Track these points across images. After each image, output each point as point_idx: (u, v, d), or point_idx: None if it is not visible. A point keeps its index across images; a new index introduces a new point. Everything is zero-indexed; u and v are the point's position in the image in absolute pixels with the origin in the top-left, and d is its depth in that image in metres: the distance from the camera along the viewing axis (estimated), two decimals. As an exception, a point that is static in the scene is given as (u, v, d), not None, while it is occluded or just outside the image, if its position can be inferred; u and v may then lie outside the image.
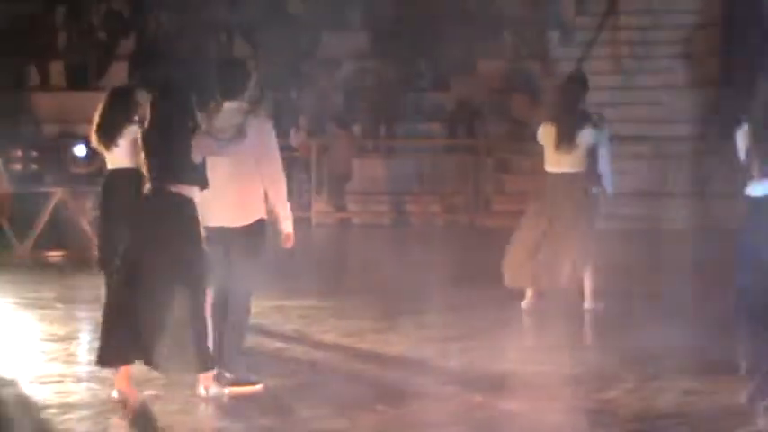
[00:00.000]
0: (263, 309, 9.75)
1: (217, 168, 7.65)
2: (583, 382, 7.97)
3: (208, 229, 7.70)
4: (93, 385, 7.95)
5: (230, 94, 7.74)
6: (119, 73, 19.67)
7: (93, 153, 15.88)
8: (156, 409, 7.37)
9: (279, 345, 9.11)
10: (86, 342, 9.47)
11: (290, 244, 7.81)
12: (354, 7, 20.37)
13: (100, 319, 7.62)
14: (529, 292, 10.53)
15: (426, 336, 9.53)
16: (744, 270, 7.31)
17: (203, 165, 7.65)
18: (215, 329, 7.68)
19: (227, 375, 7.64)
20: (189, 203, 7.54)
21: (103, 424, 7.11)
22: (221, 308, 7.80)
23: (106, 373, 7.74)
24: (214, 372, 7.58)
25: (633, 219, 16.12)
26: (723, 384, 7.66)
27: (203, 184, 7.61)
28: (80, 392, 7.81)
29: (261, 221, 7.78)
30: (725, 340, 7.79)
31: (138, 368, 7.55)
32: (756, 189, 7.23)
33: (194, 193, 7.57)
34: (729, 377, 7.58)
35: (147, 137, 7.60)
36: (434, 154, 18.18)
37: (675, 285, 10.98)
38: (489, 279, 10.84)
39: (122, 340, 7.41)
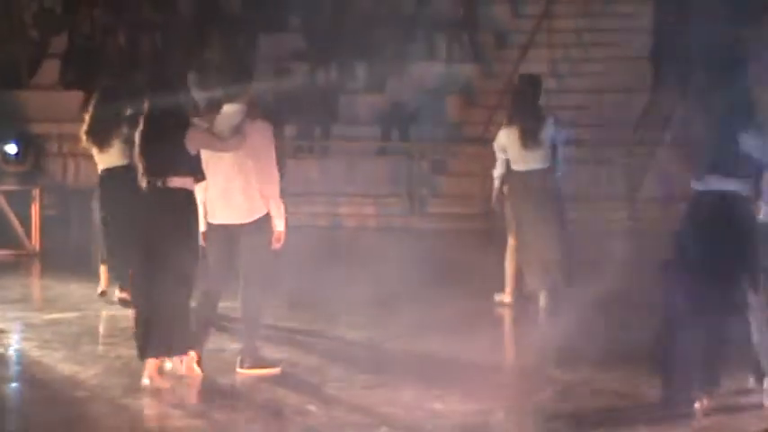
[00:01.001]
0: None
1: (220, 166, 7.96)
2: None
3: (211, 226, 7.99)
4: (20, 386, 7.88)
5: (231, 96, 8.06)
6: (50, 71, 19.47)
7: (24, 151, 15.78)
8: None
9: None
10: (15, 343, 9.38)
11: (279, 243, 8.11)
12: (290, 9, 20.32)
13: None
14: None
15: (357, 337, 9.52)
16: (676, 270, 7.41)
17: (198, 157, 7.85)
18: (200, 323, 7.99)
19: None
20: (189, 196, 7.69)
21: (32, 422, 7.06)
22: (209, 305, 8.07)
23: (37, 373, 7.69)
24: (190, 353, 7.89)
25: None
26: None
27: (200, 176, 7.80)
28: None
29: (266, 216, 8.12)
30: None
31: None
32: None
33: (192, 185, 7.68)
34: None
35: (142, 133, 7.73)
36: (368, 156, 18.14)
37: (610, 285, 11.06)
38: (429, 280, 10.88)
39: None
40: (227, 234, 8.09)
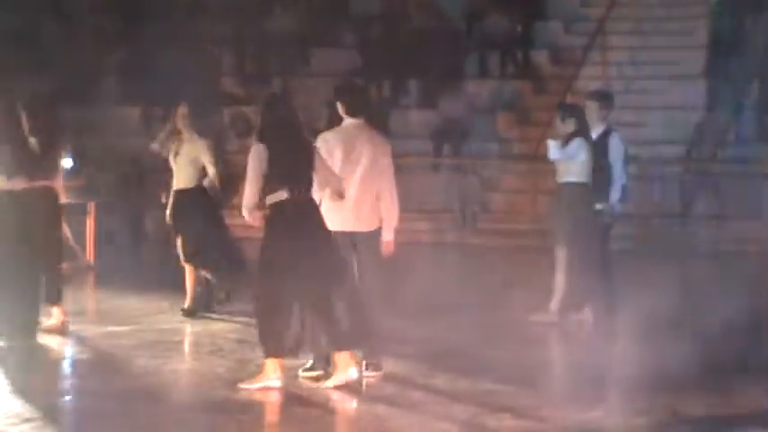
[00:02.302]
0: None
1: (349, 179, 8.48)
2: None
3: (336, 233, 8.40)
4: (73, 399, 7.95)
5: (355, 111, 8.55)
6: (108, 87, 19.69)
7: (79, 165, 15.92)
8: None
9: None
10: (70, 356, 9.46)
11: (389, 251, 8.67)
12: (345, 26, 20.42)
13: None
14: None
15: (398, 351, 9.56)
16: None
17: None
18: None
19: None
20: (319, 208, 8.34)
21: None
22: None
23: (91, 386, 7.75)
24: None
25: (625, 238, 16.14)
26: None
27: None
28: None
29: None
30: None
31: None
32: None
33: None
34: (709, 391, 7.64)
35: (274, 150, 7.91)
36: (421, 172, 18.17)
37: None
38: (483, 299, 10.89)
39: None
40: (351, 240, 8.55)
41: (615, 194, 10.98)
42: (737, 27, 17.93)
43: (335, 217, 8.45)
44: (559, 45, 19.77)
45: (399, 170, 17.78)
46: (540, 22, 19.87)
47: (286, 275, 8.08)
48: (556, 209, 11.00)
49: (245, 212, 8.06)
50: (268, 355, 8.17)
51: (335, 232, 8.37)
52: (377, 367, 8.56)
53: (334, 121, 8.91)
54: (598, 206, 10.84)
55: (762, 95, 17.30)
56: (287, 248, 8.10)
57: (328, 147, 8.56)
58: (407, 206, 17.80)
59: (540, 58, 19.62)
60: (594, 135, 11.00)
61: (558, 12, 20.04)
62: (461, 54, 19.48)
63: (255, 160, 8.10)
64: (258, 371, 8.26)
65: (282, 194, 8.09)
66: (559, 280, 10.86)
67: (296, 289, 8.17)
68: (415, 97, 19.42)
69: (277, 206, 8.11)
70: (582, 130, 10.82)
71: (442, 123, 18.67)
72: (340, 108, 8.73)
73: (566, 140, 10.78)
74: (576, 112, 10.96)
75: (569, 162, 10.73)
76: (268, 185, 8.11)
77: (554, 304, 10.85)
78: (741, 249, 14.68)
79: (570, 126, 10.82)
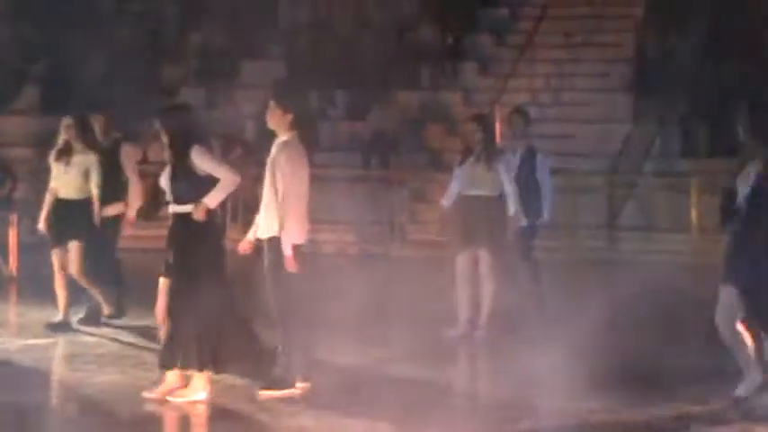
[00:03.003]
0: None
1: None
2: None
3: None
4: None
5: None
6: (29, 97, 19.48)
7: (2, 177, 15.68)
8: None
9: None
10: None
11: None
12: (273, 37, 20.37)
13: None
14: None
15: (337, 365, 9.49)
16: None
17: None
18: None
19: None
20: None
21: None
22: None
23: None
24: None
25: (545, 250, 16.19)
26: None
27: None
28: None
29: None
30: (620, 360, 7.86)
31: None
32: None
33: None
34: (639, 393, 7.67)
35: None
36: (349, 183, 18.13)
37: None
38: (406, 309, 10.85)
39: None
40: None
41: (547, 214, 11.13)
42: (664, 42, 18.10)
43: (297, 228, 8.44)
44: (489, 57, 19.84)
45: (328, 182, 17.97)
46: (470, 35, 19.93)
47: (207, 288, 8.01)
48: (470, 221, 10.77)
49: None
50: (197, 369, 8.09)
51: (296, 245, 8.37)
52: (293, 383, 8.46)
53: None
54: (524, 222, 10.87)
55: (687, 109, 17.46)
56: (205, 260, 8.05)
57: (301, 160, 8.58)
58: (336, 218, 17.95)
59: (470, 69, 19.67)
60: (519, 151, 11.12)
61: (489, 24, 20.12)
62: (391, 65, 19.49)
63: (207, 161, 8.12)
64: (181, 385, 8.18)
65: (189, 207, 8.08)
66: (486, 292, 10.83)
67: (215, 302, 8.09)
68: (343, 109, 19.40)
69: (185, 217, 8.09)
70: (490, 143, 10.83)
71: (370, 135, 18.66)
72: (287, 119, 8.65)
73: (480, 153, 10.73)
74: (484, 124, 10.98)
75: (486, 176, 10.70)
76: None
77: (483, 317, 10.79)
78: (666, 260, 14.80)
79: (479, 136, 10.78)
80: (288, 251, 8.38)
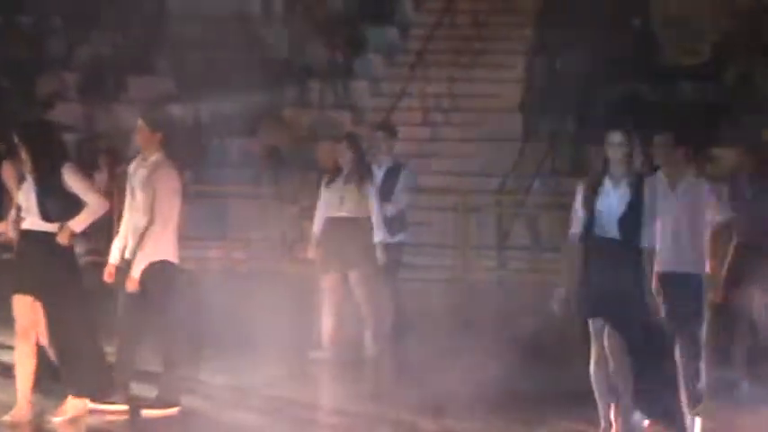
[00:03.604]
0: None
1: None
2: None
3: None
4: None
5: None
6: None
7: None
8: None
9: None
10: None
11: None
12: (160, 52, 20.20)
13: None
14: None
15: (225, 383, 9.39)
16: None
17: None
18: None
19: None
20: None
21: None
22: None
23: None
24: None
25: (437, 269, 16.25)
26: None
27: None
28: None
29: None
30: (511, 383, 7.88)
31: None
32: None
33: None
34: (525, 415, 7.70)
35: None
36: (239, 200, 18.01)
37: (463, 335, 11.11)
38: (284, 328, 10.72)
39: None
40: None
41: (404, 232, 10.96)
42: (553, 62, 18.29)
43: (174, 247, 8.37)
44: (379, 76, 19.86)
45: (218, 198, 17.83)
46: (360, 54, 19.94)
47: (74, 307, 7.94)
48: (339, 243, 10.57)
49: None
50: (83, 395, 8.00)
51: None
52: (175, 403, 8.37)
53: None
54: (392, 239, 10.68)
55: (577, 129, 17.63)
56: (68, 278, 7.98)
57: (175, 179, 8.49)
58: (226, 235, 17.80)
59: (360, 88, 19.68)
60: (384, 168, 10.99)
61: (379, 43, 20.15)
62: (282, 83, 19.43)
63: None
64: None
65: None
66: (366, 314, 10.60)
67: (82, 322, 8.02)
68: (234, 125, 19.26)
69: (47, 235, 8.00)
70: (361, 163, 10.71)
71: (261, 151, 18.55)
72: (156, 138, 8.57)
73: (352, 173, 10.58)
74: (355, 143, 10.83)
75: (356, 197, 10.53)
76: None
77: (369, 339, 10.61)
78: (552, 280, 14.86)
79: (349, 155, 10.63)
80: (138, 272, 8.30)
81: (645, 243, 7.79)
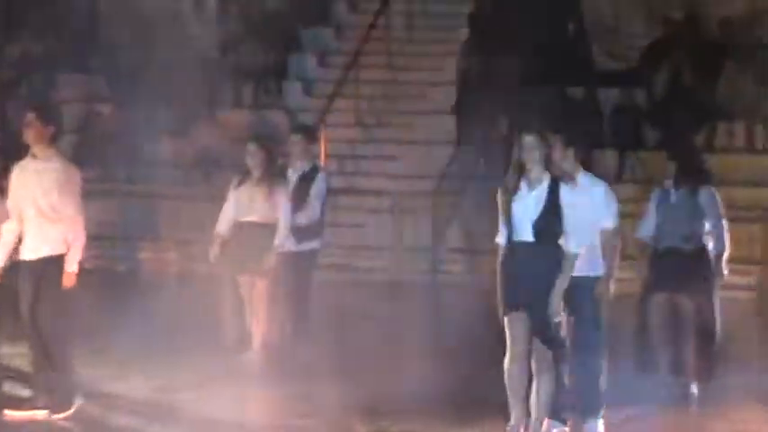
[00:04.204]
0: None
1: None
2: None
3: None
4: None
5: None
6: None
7: None
8: None
9: None
10: None
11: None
12: (93, 50, 20.02)
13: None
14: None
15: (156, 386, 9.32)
16: None
17: None
18: None
19: None
20: None
21: None
22: None
23: None
24: None
25: (372, 271, 16.28)
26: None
27: None
28: None
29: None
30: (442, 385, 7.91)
31: None
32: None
33: None
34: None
35: None
36: (172, 200, 17.90)
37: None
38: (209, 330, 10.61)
39: None
40: None
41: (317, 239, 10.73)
42: (486, 65, 18.35)
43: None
44: (313, 77, 19.82)
45: (151, 199, 17.69)
46: (293, 54, 19.89)
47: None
48: (247, 248, 10.34)
49: None
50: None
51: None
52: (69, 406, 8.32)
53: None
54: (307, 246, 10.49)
55: (509, 131, 17.70)
56: None
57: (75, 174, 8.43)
58: (158, 236, 17.66)
59: (295, 89, 19.63)
60: (299, 172, 10.67)
61: (312, 44, 20.11)
62: (214, 83, 19.33)
63: None
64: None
65: None
66: (260, 317, 10.35)
67: None
68: (167, 125, 19.13)
69: None
70: (272, 166, 10.47)
71: (193, 152, 18.46)
72: (48, 133, 8.48)
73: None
74: (265, 145, 10.59)
75: (265, 201, 10.27)
76: None
77: (256, 342, 10.36)
78: (482, 281, 14.92)
79: (259, 158, 10.39)
80: (74, 267, 8.27)
81: (568, 248, 7.74)
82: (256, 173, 10.34)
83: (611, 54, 18.70)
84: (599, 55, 18.69)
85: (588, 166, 8.70)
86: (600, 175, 9.05)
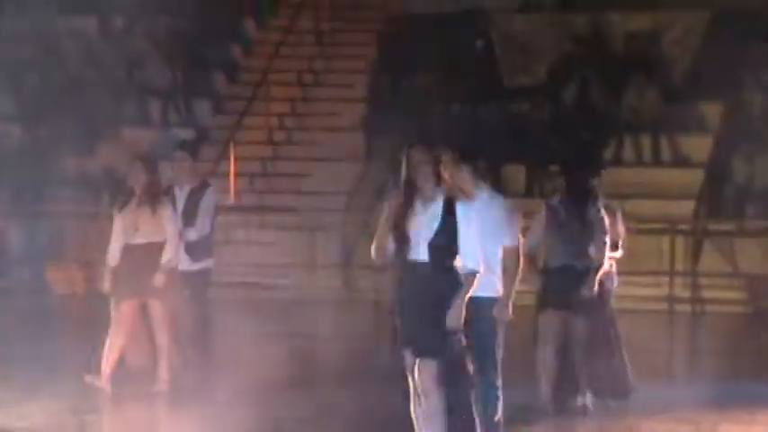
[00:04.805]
0: None
1: None
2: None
3: None
4: None
5: None
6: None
7: None
8: None
9: None
10: None
11: None
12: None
13: None
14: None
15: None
16: None
17: None
18: None
19: None
20: None
21: None
22: None
23: None
24: None
25: (282, 289, 16.19)
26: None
27: None
28: None
29: None
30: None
31: None
32: None
33: None
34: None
35: None
36: (79, 220, 17.65)
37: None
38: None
39: None
40: None
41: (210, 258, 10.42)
42: (396, 82, 18.38)
43: None
44: (222, 94, 19.70)
45: (58, 219, 17.44)
46: (202, 71, 19.73)
47: None
48: (137, 269, 9.94)
49: None
50: None
51: None
52: None
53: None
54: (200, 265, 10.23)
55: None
56: None
57: None
58: (65, 257, 17.41)
59: (203, 107, 19.48)
60: (186, 190, 10.32)
61: (220, 61, 19.98)
62: (120, 101, 19.12)
63: None
64: None
65: None
66: (160, 343, 9.98)
67: None
68: (72, 144, 18.88)
69: None
70: (155, 185, 10.13)
71: (100, 171, 18.24)
72: None
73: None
74: (148, 164, 10.26)
75: (151, 220, 9.95)
76: None
77: (162, 370, 10.00)
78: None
79: (143, 178, 10.07)
80: None
81: (465, 267, 7.26)
82: (139, 193, 10.06)
83: (519, 70, 18.81)
84: (507, 71, 18.80)
85: (494, 182, 8.51)
86: (508, 191, 8.97)
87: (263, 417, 8.89)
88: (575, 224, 9.48)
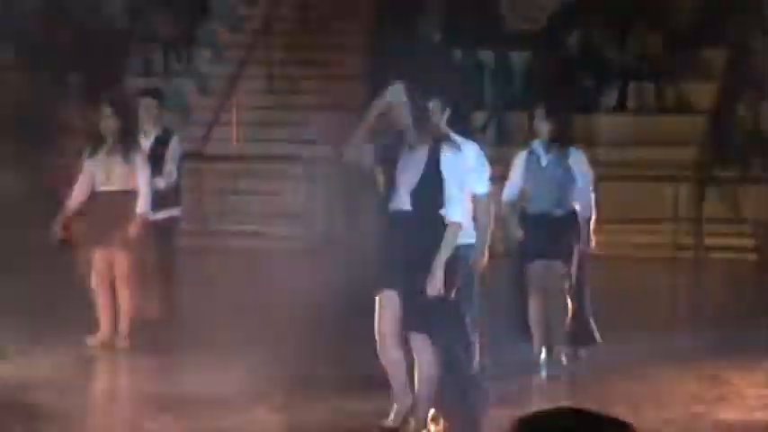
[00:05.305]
0: None
1: None
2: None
3: None
4: None
5: None
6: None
7: None
8: None
9: None
10: None
11: None
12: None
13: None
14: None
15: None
16: None
17: None
18: None
19: None
20: None
21: None
22: None
23: None
24: None
25: (282, 238, 16.16)
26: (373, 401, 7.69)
27: None
28: None
29: None
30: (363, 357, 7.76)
31: None
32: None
33: None
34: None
35: None
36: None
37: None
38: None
39: None
40: None
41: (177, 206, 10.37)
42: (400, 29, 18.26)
43: None
44: (223, 44, 19.59)
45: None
46: (203, 21, 19.61)
47: None
48: (104, 218, 9.70)
49: None
50: None
51: None
52: None
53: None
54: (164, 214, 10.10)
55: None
56: None
57: None
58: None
59: (204, 56, 19.37)
60: (151, 137, 10.19)
61: (222, 10, 19.84)
62: (123, 50, 19.02)
63: None
64: None
65: None
66: (122, 297, 9.73)
67: None
68: (78, 93, 18.81)
69: None
70: (128, 133, 9.85)
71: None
72: None
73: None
74: (121, 110, 9.94)
75: (123, 169, 9.67)
76: None
77: (123, 325, 9.75)
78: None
79: (114, 124, 9.73)
80: None
81: (450, 217, 6.98)
82: (111, 139, 9.74)
83: (521, 17, 18.67)
84: (509, 18, 18.67)
85: (465, 125, 8.14)
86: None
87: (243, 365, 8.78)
88: (557, 170, 9.14)
